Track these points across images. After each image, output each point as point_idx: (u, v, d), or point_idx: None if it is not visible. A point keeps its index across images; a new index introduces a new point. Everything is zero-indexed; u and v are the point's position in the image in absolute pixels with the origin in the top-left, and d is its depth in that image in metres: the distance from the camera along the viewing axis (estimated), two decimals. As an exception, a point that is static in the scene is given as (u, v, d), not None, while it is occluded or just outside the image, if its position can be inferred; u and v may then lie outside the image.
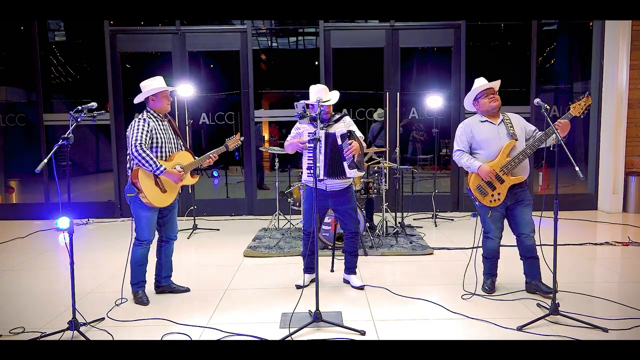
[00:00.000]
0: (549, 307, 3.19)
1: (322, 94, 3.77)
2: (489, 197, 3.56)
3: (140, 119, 3.49)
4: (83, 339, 2.94)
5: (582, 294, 3.67)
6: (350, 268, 4.03)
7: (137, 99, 3.61)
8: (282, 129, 8.07)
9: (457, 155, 3.66)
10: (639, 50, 6.92)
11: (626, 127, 6.97)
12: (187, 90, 6.12)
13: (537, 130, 3.59)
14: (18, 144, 7.29)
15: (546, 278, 3.59)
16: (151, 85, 3.58)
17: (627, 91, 6.90)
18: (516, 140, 3.49)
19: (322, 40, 7.01)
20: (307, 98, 3.86)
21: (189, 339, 3.03)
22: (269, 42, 7.93)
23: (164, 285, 3.90)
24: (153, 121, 3.52)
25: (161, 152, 3.55)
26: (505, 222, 3.69)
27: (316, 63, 7.14)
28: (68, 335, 2.95)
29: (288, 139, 3.94)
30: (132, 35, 7.13)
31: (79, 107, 3.22)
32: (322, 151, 3.61)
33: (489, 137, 3.55)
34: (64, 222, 2.98)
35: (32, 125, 7.13)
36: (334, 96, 3.87)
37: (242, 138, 4.03)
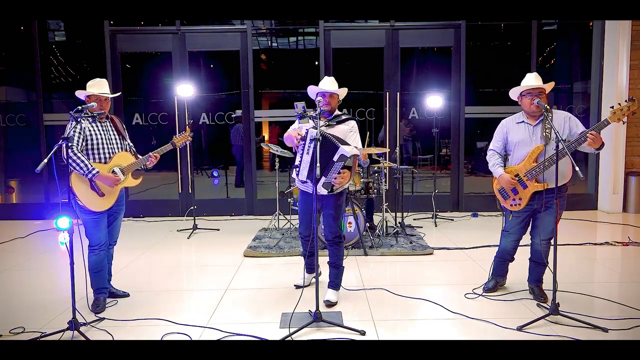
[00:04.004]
0: (549, 307, 3.19)
1: (325, 85, 3.55)
2: (510, 200, 3.51)
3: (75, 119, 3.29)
4: (83, 339, 2.94)
5: (582, 294, 3.67)
6: (330, 281, 3.68)
7: (78, 94, 3.50)
8: (282, 129, 8.06)
9: (489, 155, 3.60)
10: (639, 50, 6.92)
11: (626, 127, 6.97)
12: (187, 90, 6.12)
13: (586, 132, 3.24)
14: (18, 144, 7.28)
15: (546, 278, 3.59)
16: (91, 87, 3.44)
17: (627, 91, 6.90)
18: (546, 144, 3.32)
19: (322, 40, 7.01)
20: (307, 98, 3.82)
21: (189, 339, 3.03)
22: (269, 42, 7.93)
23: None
24: (88, 122, 3.35)
25: (98, 154, 3.39)
26: None
27: (316, 63, 7.14)
28: (68, 335, 2.95)
29: (289, 130, 3.68)
30: (132, 35, 7.13)
31: (79, 107, 3.22)
32: (310, 152, 3.33)
33: (522, 139, 3.43)
34: (63, 222, 2.97)
35: (32, 125, 7.13)
36: (340, 90, 3.62)
37: (191, 134, 3.83)
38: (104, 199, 3.42)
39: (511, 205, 3.52)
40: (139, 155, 3.63)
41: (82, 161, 3.27)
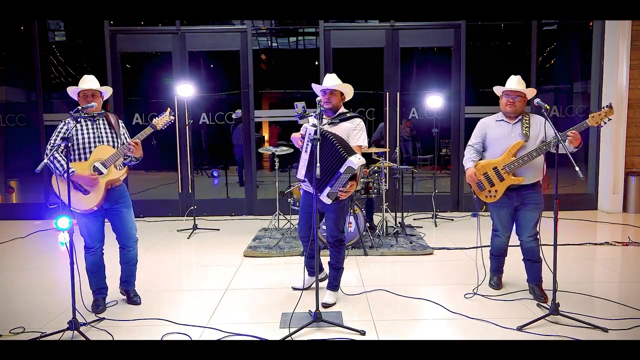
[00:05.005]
0: (549, 307, 3.19)
1: (326, 82, 3.49)
2: (485, 192, 3.60)
3: (64, 120, 3.35)
4: (83, 339, 2.94)
5: (582, 294, 3.68)
6: (329, 282, 3.66)
7: (69, 91, 3.47)
8: (282, 129, 8.06)
9: (466, 150, 3.75)
10: (639, 50, 6.92)
11: (626, 127, 6.97)
12: (187, 90, 6.12)
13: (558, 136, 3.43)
14: (18, 144, 7.28)
15: (546, 278, 3.59)
16: (79, 83, 3.42)
17: (627, 91, 6.90)
18: (526, 141, 3.47)
19: (322, 40, 7.01)
20: (307, 98, 3.81)
21: (189, 339, 3.03)
22: (269, 42, 7.93)
23: (123, 289, 3.71)
24: (75, 121, 3.25)
25: (84, 153, 3.32)
26: None
27: (316, 63, 7.14)
28: (68, 335, 2.95)
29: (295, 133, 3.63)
30: (132, 35, 7.12)
31: (79, 107, 3.22)
32: (307, 150, 3.26)
33: (500, 135, 3.58)
34: (63, 222, 2.97)
35: (32, 125, 7.13)
36: (342, 87, 3.52)
37: (172, 114, 3.59)
38: (89, 197, 3.32)
39: (486, 196, 3.61)
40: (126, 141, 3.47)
41: (58, 162, 3.21)
